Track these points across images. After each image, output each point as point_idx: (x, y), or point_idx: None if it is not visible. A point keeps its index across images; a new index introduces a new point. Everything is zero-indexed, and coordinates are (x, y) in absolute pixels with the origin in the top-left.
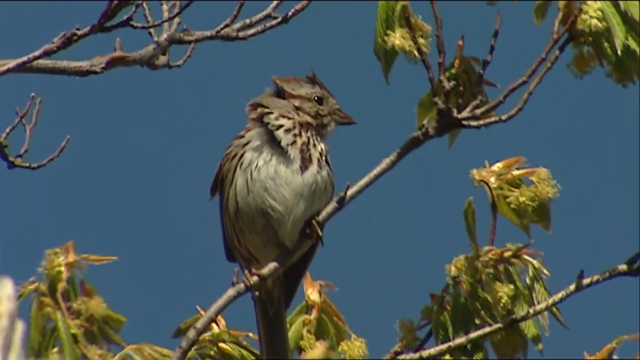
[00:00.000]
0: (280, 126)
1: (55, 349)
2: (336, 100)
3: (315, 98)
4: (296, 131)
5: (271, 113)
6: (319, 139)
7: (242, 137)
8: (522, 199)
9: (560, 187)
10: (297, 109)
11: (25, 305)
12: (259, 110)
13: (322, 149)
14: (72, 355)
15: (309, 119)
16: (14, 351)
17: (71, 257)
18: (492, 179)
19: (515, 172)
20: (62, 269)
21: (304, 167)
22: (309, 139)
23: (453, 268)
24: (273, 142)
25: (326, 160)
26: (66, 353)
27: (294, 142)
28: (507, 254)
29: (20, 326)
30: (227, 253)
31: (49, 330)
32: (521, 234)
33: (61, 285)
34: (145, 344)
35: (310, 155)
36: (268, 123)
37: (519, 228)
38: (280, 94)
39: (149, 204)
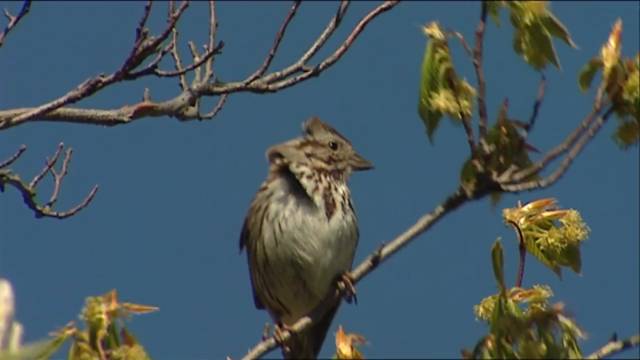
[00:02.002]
0: (302, 173)
1: None
2: (352, 146)
3: (330, 144)
4: (316, 177)
5: (291, 162)
6: (338, 182)
7: (265, 188)
8: (550, 240)
9: (590, 230)
10: (308, 156)
11: (62, 352)
12: (280, 161)
13: (343, 192)
14: None
15: (322, 165)
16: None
17: (113, 306)
18: (522, 220)
19: (545, 214)
20: (103, 316)
21: (329, 212)
22: (329, 183)
23: (481, 309)
24: (297, 191)
25: (349, 204)
26: None
27: (316, 188)
28: (541, 314)
29: (17, 329)
30: (256, 301)
31: None
32: (550, 276)
33: (101, 333)
34: None
35: (333, 199)
36: (294, 173)
37: (548, 269)
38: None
39: (179, 254)
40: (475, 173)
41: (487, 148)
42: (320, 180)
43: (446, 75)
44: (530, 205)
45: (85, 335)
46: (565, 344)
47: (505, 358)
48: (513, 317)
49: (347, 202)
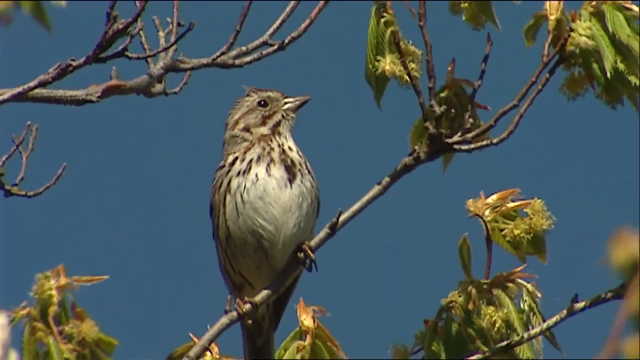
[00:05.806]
0: (251, 160)
1: None
2: (281, 93)
3: (258, 103)
4: (267, 149)
5: (236, 158)
6: (286, 138)
7: (223, 166)
8: (516, 231)
9: (555, 219)
10: (245, 130)
11: (17, 331)
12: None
13: (297, 150)
14: None
15: (263, 130)
16: None
17: (62, 280)
18: (487, 212)
19: (510, 205)
20: (54, 292)
21: (291, 176)
22: (278, 145)
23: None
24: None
25: (307, 168)
26: None
27: (271, 161)
28: (501, 277)
29: (13, 356)
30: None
31: (42, 355)
32: (517, 264)
33: (52, 309)
34: None
35: (291, 159)
36: (244, 169)
37: (515, 258)
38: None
39: (143, 229)
40: (427, 135)
41: (438, 109)
42: (271, 147)
43: (392, 38)
44: (494, 196)
45: (37, 312)
46: (526, 307)
47: (466, 323)
48: (474, 280)
49: (304, 166)
